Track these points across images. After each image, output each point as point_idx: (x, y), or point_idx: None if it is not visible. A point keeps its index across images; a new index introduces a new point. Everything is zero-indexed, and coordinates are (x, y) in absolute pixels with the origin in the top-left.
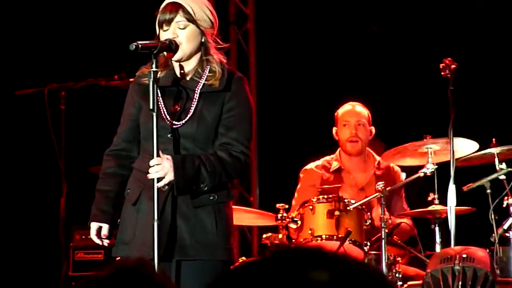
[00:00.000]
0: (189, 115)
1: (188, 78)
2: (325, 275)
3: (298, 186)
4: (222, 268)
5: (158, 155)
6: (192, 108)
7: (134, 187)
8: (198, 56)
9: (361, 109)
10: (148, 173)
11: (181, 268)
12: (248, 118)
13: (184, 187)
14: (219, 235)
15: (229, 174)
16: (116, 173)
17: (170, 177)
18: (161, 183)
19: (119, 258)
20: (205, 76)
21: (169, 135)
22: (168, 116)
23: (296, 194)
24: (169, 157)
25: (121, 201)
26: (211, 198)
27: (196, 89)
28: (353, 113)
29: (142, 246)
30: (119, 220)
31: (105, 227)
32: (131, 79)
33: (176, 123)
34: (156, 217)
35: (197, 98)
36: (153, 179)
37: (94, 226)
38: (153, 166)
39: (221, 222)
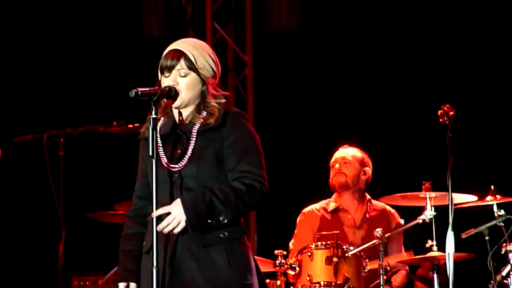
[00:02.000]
0: (187, 157)
1: (186, 122)
2: None
3: (296, 231)
4: None
5: (157, 201)
6: (190, 149)
7: (148, 237)
8: (197, 102)
9: (349, 150)
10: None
11: None
12: (254, 148)
13: (198, 224)
14: (233, 272)
15: (246, 203)
16: (137, 232)
17: (183, 222)
18: (177, 230)
19: None
20: (202, 118)
21: (173, 179)
22: (168, 162)
23: (293, 239)
24: (177, 201)
25: None
26: (221, 236)
27: (193, 130)
28: (339, 153)
29: None
30: None
31: (133, 286)
32: (129, 125)
33: (176, 166)
34: (155, 264)
35: (194, 139)
36: (154, 221)
37: (121, 286)
38: (163, 216)
39: (235, 259)
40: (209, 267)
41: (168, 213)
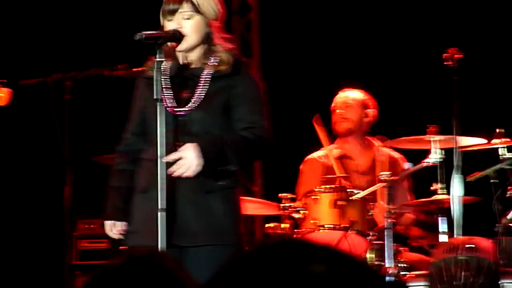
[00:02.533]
0: (195, 100)
1: (193, 66)
2: (322, 267)
3: (300, 177)
4: (232, 253)
5: (164, 144)
6: (197, 93)
7: (143, 176)
8: (203, 46)
9: (349, 93)
10: (154, 161)
11: (191, 255)
12: (261, 99)
13: (208, 170)
14: (228, 220)
15: (254, 155)
16: (127, 169)
17: (194, 167)
18: (187, 174)
19: (126, 247)
20: (212, 64)
21: (176, 122)
22: (172, 104)
23: (298, 185)
24: (187, 145)
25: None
26: (219, 183)
27: (202, 75)
28: (340, 97)
29: (151, 234)
30: None
31: (120, 224)
32: (134, 69)
33: (183, 109)
34: (160, 206)
35: (203, 83)
36: (164, 166)
37: (108, 223)
38: (174, 161)
39: (230, 208)
40: (205, 214)
41: (179, 158)
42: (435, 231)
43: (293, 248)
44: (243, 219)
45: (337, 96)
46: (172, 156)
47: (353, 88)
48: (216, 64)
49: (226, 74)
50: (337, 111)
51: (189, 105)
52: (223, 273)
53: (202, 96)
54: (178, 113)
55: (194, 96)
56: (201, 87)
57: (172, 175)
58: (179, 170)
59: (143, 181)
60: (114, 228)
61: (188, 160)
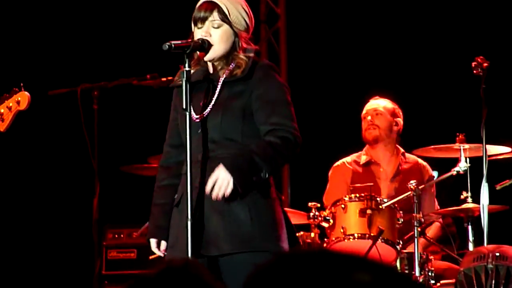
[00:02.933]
0: (211, 106)
1: (214, 72)
2: (367, 276)
3: (328, 185)
4: (264, 259)
5: (191, 155)
6: (214, 98)
7: (179, 191)
8: (229, 55)
9: (380, 101)
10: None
11: (221, 264)
12: (284, 100)
13: (244, 182)
14: (255, 227)
15: (283, 156)
16: (170, 184)
17: (231, 182)
18: (228, 191)
19: (153, 256)
20: (229, 70)
21: (199, 131)
22: (195, 114)
23: (326, 194)
24: (220, 167)
25: None
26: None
27: (219, 79)
28: (370, 105)
29: (184, 246)
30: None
31: (163, 243)
32: (163, 79)
33: (199, 116)
34: (189, 216)
35: (219, 88)
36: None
37: (153, 242)
38: (213, 183)
39: (258, 213)
40: (232, 222)
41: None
42: (449, 243)
43: (334, 257)
44: (282, 224)
45: (368, 103)
46: (210, 185)
47: (382, 97)
48: (232, 69)
49: (241, 78)
50: (368, 118)
51: (204, 112)
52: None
53: (215, 102)
54: (196, 120)
55: (210, 101)
56: (215, 92)
57: (218, 198)
58: (219, 193)
59: (178, 195)
60: (154, 245)
61: (222, 179)
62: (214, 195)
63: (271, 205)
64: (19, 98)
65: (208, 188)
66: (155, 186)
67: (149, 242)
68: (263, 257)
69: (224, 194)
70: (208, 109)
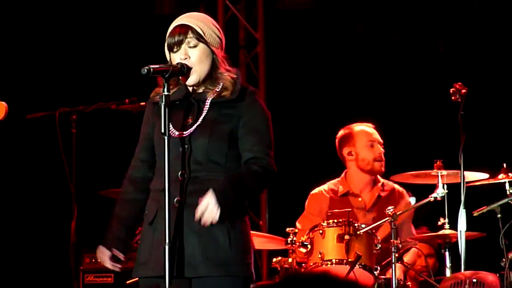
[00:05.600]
0: (196, 125)
1: (199, 91)
2: None
3: (305, 211)
4: (240, 285)
5: (169, 176)
6: (201, 118)
7: (151, 208)
8: (209, 74)
9: (375, 131)
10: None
11: (196, 286)
12: (267, 130)
13: (231, 214)
14: (234, 251)
15: (263, 187)
16: (134, 199)
17: (218, 212)
18: (215, 221)
19: (136, 278)
20: (218, 90)
21: (180, 149)
22: (177, 131)
23: (302, 219)
24: (210, 194)
25: (137, 226)
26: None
27: (207, 100)
28: (375, 134)
29: (157, 265)
30: (136, 242)
31: (115, 255)
32: (142, 103)
33: (185, 133)
34: (167, 240)
35: (207, 108)
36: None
37: (103, 250)
38: (202, 211)
39: (236, 238)
40: (210, 244)
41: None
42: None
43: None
44: (252, 250)
45: (370, 132)
46: (199, 213)
47: (365, 122)
48: (219, 90)
49: (230, 101)
50: (380, 151)
51: (189, 130)
52: None
53: (201, 121)
54: (181, 136)
55: (197, 120)
56: (203, 111)
57: (203, 225)
58: (207, 221)
59: (150, 212)
60: (107, 256)
61: (211, 210)
62: (202, 222)
63: (246, 229)
64: None
65: (197, 215)
66: (119, 198)
67: (96, 248)
68: (236, 282)
69: (211, 222)
70: (193, 128)
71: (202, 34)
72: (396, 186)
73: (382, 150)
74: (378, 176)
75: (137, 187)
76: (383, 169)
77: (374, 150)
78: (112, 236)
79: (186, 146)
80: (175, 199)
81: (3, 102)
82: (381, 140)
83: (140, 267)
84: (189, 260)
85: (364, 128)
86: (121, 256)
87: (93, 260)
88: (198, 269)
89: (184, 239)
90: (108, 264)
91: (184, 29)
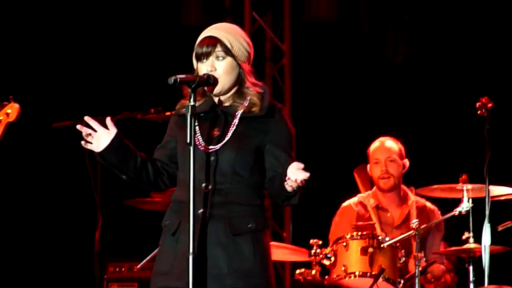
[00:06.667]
0: (227, 138)
1: (226, 104)
2: None
3: (333, 226)
4: None
5: (194, 187)
6: (230, 132)
7: (172, 218)
8: (235, 89)
9: (391, 144)
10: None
11: None
12: (293, 146)
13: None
14: (257, 264)
15: (295, 196)
16: (146, 159)
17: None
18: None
19: None
20: (246, 103)
21: (205, 161)
22: (204, 142)
23: (331, 233)
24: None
25: (136, 155)
26: (249, 225)
27: (237, 113)
28: (382, 149)
29: (181, 275)
30: (156, 250)
31: (107, 135)
32: (167, 113)
33: (213, 147)
34: (191, 250)
35: (236, 122)
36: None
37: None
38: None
39: (259, 251)
40: (235, 256)
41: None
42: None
43: None
44: (271, 262)
45: (378, 146)
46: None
47: (388, 136)
48: (248, 105)
49: (259, 116)
50: (382, 166)
51: (220, 144)
52: None
53: (231, 135)
54: (208, 150)
55: (225, 134)
56: (232, 126)
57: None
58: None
59: (173, 223)
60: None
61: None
62: (296, 178)
63: (268, 240)
64: (9, 110)
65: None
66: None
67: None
68: None
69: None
70: (223, 141)
71: (230, 48)
72: (428, 204)
73: (393, 165)
74: (409, 193)
75: (153, 161)
76: (386, 187)
77: (376, 168)
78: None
79: (212, 158)
80: (200, 211)
81: (15, 104)
82: (392, 155)
83: (161, 277)
84: (214, 271)
85: (375, 145)
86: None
87: (117, 269)
88: (224, 281)
89: (209, 251)
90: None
91: (213, 41)
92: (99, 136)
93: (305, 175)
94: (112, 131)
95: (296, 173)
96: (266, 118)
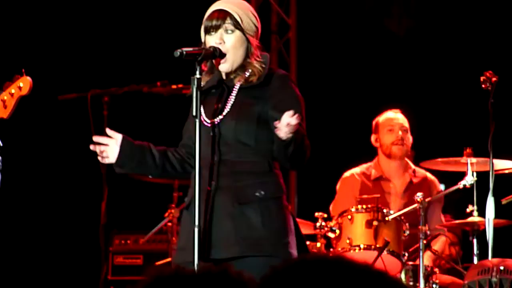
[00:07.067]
0: (226, 110)
1: (231, 77)
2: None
3: (337, 195)
4: (273, 264)
5: (200, 162)
6: (230, 104)
7: (189, 193)
8: (242, 61)
9: (403, 117)
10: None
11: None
12: (301, 112)
13: (298, 142)
14: (267, 231)
15: (304, 153)
16: (167, 151)
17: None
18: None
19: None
20: (246, 75)
21: (211, 134)
22: (207, 117)
23: (333, 203)
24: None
25: (148, 159)
26: (256, 194)
27: (235, 86)
28: (398, 119)
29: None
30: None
31: (115, 144)
32: (173, 86)
33: (215, 120)
34: (196, 223)
35: (235, 93)
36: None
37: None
38: (289, 123)
39: (269, 218)
40: (243, 225)
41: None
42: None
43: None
44: (290, 230)
45: (392, 117)
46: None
47: (392, 109)
48: (247, 75)
49: (257, 85)
50: (399, 133)
51: (220, 115)
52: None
53: (231, 106)
54: (209, 124)
55: (225, 106)
56: (231, 97)
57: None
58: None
59: (188, 198)
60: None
61: (291, 126)
62: (285, 130)
63: (283, 211)
64: (21, 84)
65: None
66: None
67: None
68: (272, 262)
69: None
70: (223, 113)
71: (240, 22)
72: (428, 175)
73: (406, 135)
74: (409, 163)
75: (174, 151)
76: (399, 152)
77: (393, 134)
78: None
79: (216, 130)
80: (209, 183)
81: (28, 77)
82: (405, 126)
83: (180, 253)
84: (223, 241)
85: (387, 115)
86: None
87: (123, 242)
88: (232, 249)
89: (217, 222)
90: (96, 148)
91: (223, 14)
92: (110, 148)
93: (289, 113)
94: (118, 137)
95: (283, 117)
96: (265, 86)
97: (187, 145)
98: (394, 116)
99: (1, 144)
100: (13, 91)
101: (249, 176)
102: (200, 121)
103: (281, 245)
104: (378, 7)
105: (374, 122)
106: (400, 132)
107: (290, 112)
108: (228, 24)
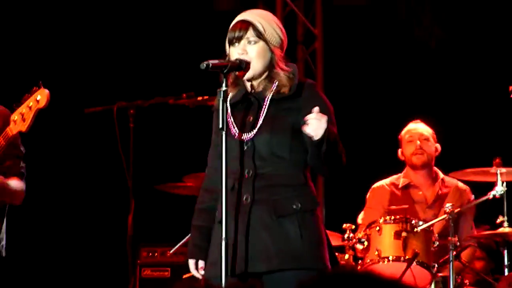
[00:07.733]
0: (259, 123)
1: (258, 90)
2: None
3: (366, 206)
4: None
5: (226, 174)
6: (262, 116)
7: (219, 208)
8: (266, 73)
9: (423, 126)
10: (231, 189)
11: (267, 281)
12: (332, 121)
13: (330, 142)
14: (305, 244)
15: (340, 159)
16: (210, 208)
17: (324, 127)
18: (321, 131)
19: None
20: (275, 87)
21: (245, 148)
22: (238, 131)
23: (363, 214)
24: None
25: None
26: (294, 207)
27: (266, 97)
28: (417, 129)
29: (228, 264)
30: (189, 236)
31: (201, 263)
32: (199, 98)
33: (248, 134)
34: (224, 236)
35: (267, 105)
36: (229, 195)
37: (191, 262)
38: (314, 120)
39: (307, 231)
40: (281, 238)
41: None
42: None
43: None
44: (324, 243)
45: (409, 127)
46: (315, 115)
47: (420, 120)
48: (277, 87)
49: (288, 96)
50: (417, 142)
51: (254, 129)
52: None
53: (264, 119)
54: (244, 138)
55: (258, 119)
56: (263, 109)
57: (313, 121)
58: (321, 121)
59: (219, 211)
60: (193, 265)
61: (320, 121)
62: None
63: (318, 223)
64: (39, 97)
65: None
66: (196, 207)
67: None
68: (307, 275)
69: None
70: (257, 126)
71: (263, 32)
72: (460, 184)
73: (427, 143)
74: (438, 172)
75: (211, 195)
76: (419, 161)
77: (410, 146)
78: (193, 247)
79: (249, 144)
80: (244, 197)
81: (45, 89)
82: (425, 134)
83: (210, 268)
84: (262, 254)
85: (408, 127)
86: (201, 263)
87: (150, 254)
88: (271, 262)
89: (255, 235)
90: (195, 272)
91: (246, 25)
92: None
93: (316, 109)
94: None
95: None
96: (296, 97)
97: (218, 167)
98: (414, 127)
99: (24, 151)
100: (31, 104)
101: (286, 189)
102: (227, 135)
103: (318, 258)
104: (409, 18)
105: (399, 137)
106: (418, 142)
107: (317, 108)
108: (251, 35)
